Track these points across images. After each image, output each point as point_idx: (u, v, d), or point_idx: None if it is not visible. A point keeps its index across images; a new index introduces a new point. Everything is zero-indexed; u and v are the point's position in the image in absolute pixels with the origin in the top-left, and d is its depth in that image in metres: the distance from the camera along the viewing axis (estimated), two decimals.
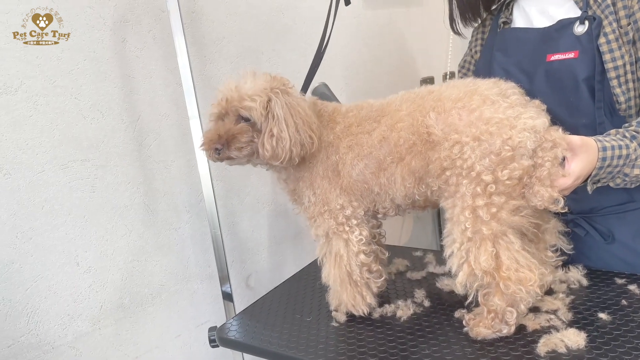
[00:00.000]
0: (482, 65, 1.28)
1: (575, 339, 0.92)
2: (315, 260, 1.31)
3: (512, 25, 1.22)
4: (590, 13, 1.07)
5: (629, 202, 1.13)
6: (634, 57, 1.05)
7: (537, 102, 0.99)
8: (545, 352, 0.91)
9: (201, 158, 1.28)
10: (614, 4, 1.06)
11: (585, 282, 1.13)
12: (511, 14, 1.23)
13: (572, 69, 1.07)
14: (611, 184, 1.03)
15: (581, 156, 0.94)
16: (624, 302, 1.04)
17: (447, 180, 0.96)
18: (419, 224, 2.37)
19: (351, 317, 1.12)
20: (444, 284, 1.21)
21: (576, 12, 1.10)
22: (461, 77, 1.40)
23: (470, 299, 0.99)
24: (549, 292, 1.09)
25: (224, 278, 1.36)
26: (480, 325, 0.97)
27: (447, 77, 2.37)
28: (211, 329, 1.20)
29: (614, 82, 1.04)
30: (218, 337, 1.15)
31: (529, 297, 0.95)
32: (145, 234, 1.33)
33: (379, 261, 1.14)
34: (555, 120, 1.01)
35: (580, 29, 1.07)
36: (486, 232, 0.92)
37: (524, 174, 0.92)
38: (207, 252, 1.46)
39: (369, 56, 1.98)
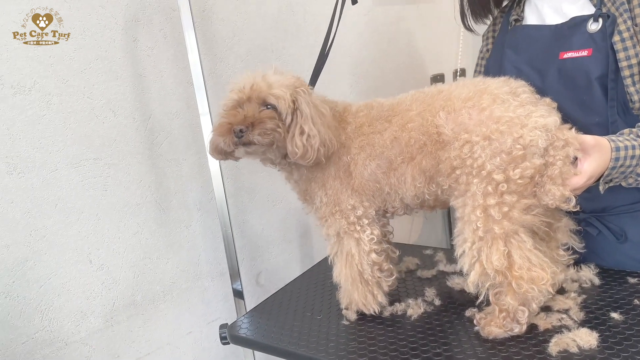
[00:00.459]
0: (492, 63, 1.27)
1: (587, 338, 0.91)
2: (325, 258, 1.32)
3: (524, 23, 1.21)
4: (604, 10, 1.06)
5: None
6: None
7: (548, 100, 0.98)
8: (557, 351, 0.90)
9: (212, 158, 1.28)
10: (628, 2, 1.04)
11: (597, 281, 1.13)
12: (522, 11, 1.22)
13: (585, 67, 1.06)
14: (623, 184, 1.02)
15: (594, 156, 0.93)
16: (636, 301, 1.04)
17: (457, 179, 0.96)
18: (429, 222, 2.36)
19: (361, 316, 1.12)
20: (454, 282, 1.21)
21: (590, 10, 1.09)
22: (476, 75, 1.39)
23: (481, 298, 0.99)
24: (561, 291, 1.08)
25: (235, 275, 1.37)
26: (492, 325, 0.97)
27: (458, 74, 2.36)
28: (222, 327, 1.21)
29: (628, 81, 1.03)
30: (229, 335, 1.16)
31: (541, 296, 0.95)
32: (157, 231, 1.34)
33: (389, 260, 1.14)
34: (567, 119, 1.00)
35: (594, 27, 1.06)
36: (498, 231, 0.92)
37: (535, 172, 0.91)
38: (217, 249, 1.47)
39: (378, 53, 1.98)
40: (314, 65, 1.23)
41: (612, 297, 1.07)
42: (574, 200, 0.93)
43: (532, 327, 0.98)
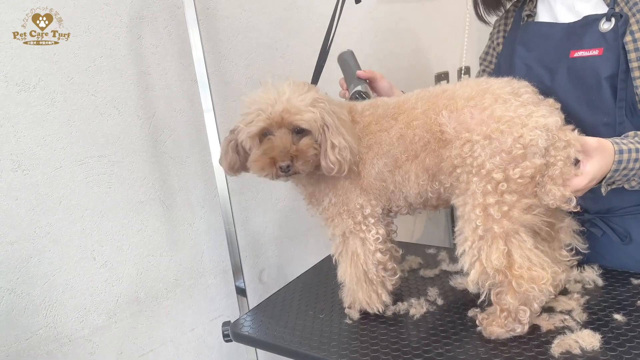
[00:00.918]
0: (503, 59, 1.26)
1: (590, 340, 0.91)
2: (328, 256, 1.32)
3: (536, 19, 1.20)
4: (617, 10, 1.05)
5: None
6: None
7: (550, 100, 0.98)
8: (560, 353, 0.90)
9: (216, 154, 1.28)
10: None
11: (600, 282, 1.13)
12: (535, 6, 1.21)
13: (595, 66, 1.05)
14: (626, 186, 1.02)
15: (597, 158, 0.93)
16: (639, 302, 1.04)
17: (458, 178, 0.96)
18: (431, 220, 2.36)
19: (364, 315, 1.12)
20: (457, 282, 1.21)
21: (603, 9, 1.08)
22: (482, 69, 1.38)
23: (482, 297, 0.99)
24: (564, 292, 1.08)
25: (238, 273, 1.38)
26: (494, 324, 0.97)
27: (462, 72, 2.35)
28: (225, 324, 1.21)
29: (638, 82, 1.03)
30: (232, 332, 1.16)
31: (542, 296, 0.95)
32: (161, 229, 1.34)
33: (393, 259, 1.14)
34: (575, 119, 1.00)
35: (606, 26, 1.05)
36: (498, 230, 0.92)
37: (536, 172, 0.91)
38: (221, 247, 1.47)
39: (382, 52, 1.97)
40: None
41: (615, 298, 1.07)
42: (574, 201, 0.93)
43: (534, 328, 0.98)
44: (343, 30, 1.75)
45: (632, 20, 1.03)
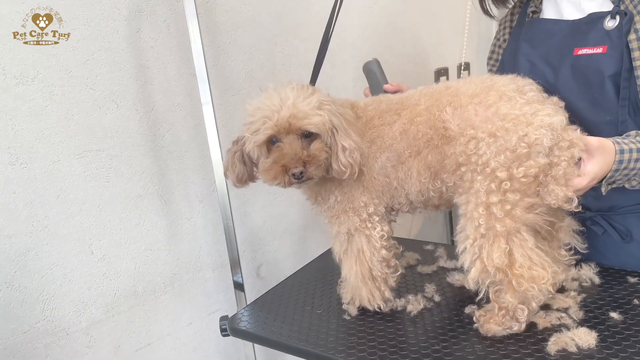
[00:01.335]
0: (507, 55, 1.26)
1: (586, 338, 0.92)
2: (327, 252, 1.32)
3: (541, 16, 1.20)
4: (622, 8, 1.04)
5: None
6: None
7: (555, 99, 0.98)
8: (556, 350, 0.91)
9: (214, 148, 1.28)
10: None
11: (597, 280, 1.13)
12: (541, 2, 1.21)
13: (599, 64, 1.05)
14: (627, 186, 1.02)
15: (598, 158, 0.93)
16: (636, 301, 1.04)
17: (462, 176, 0.96)
18: (429, 217, 2.36)
19: (362, 311, 1.13)
20: (454, 279, 1.21)
21: (609, 7, 1.07)
22: (491, 66, 1.37)
23: (481, 295, 0.99)
24: (561, 289, 1.09)
25: (235, 268, 1.38)
26: (491, 322, 0.98)
27: (462, 68, 2.35)
28: (222, 318, 1.21)
29: None
30: (229, 327, 1.17)
31: (541, 295, 0.95)
32: (159, 223, 1.34)
33: (395, 256, 1.14)
34: (577, 117, 0.99)
35: (611, 24, 1.05)
36: (500, 229, 0.92)
37: (539, 171, 0.91)
38: (218, 241, 1.47)
39: (382, 47, 1.97)
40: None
41: (611, 296, 1.07)
42: (576, 201, 0.93)
43: (531, 326, 0.99)
44: (343, 24, 1.75)
45: (636, 18, 1.03)
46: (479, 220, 0.93)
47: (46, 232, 1.14)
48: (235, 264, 1.37)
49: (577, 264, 1.15)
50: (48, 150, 1.12)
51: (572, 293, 1.08)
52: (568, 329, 0.96)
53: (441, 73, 2.29)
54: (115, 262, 1.26)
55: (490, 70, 1.37)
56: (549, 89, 1.10)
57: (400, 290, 1.20)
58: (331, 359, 0.99)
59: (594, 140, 0.93)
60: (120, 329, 1.29)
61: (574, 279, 1.13)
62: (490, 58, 1.36)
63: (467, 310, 1.07)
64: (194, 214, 1.42)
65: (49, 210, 1.13)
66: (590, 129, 1.07)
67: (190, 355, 1.46)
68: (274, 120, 0.96)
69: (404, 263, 1.34)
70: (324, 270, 1.36)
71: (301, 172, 0.96)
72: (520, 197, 0.92)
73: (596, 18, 1.07)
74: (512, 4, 1.30)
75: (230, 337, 1.20)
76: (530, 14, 1.21)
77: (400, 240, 1.22)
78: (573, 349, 0.91)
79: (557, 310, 1.02)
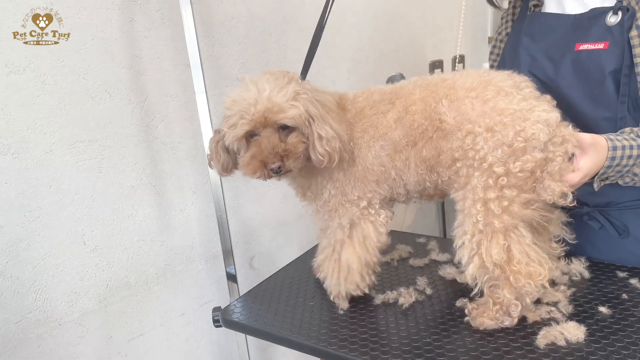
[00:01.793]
0: (509, 48, 1.25)
1: (575, 332, 0.93)
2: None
3: (543, 9, 1.19)
4: (624, 3, 1.04)
5: None
6: None
7: (548, 97, 0.98)
8: (545, 344, 0.92)
9: (208, 140, 1.27)
10: None
11: (587, 274, 1.14)
12: None
13: (600, 60, 1.05)
14: (620, 182, 1.02)
15: (591, 154, 0.94)
16: (624, 295, 1.05)
17: (457, 172, 0.96)
18: (422, 209, 2.37)
19: (353, 303, 1.13)
20: (446, 272, 1.22)
21: (611, 1, 1.07)
22: (492, 61, 1.37)
23: (476, 290, 0.99)
24: (551, 283, 1.09)
25: (228, 259, 1.38)
26: (484, 316, 0.98)
27: (457, 60, 2.35)
28: (215, 309, 1.22)
29: None
30: (222, 319, 1.17)
31: (536, 291, 0.96)
32: (152, 214, 1.34)
33: None
34: (576, 112, 0.99)
35: (613, 19, 1.04)
36: (498, 225, 0.92)
37: (536, 166, 0.91)
38: (211, 233, 1.47)
39: (378, 39, 1.96)
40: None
41: (600, 290, 1.08)
42: (571, 196, 0.94)
43: (521, 319, 0.99)
44: (339, 16, 1.74)
45: (638, 14, 1.02)
46: (477, 216, 0.93)
47: (38, 222, 1.13)
48: (228, 255, 1.37)
49: (567, 257, 1.16)
50: (40, 140, 1.11)
51: (562, 287, 1.09)
52: (557, 323, 0.96)
53: (436, 65, 2.29)
54: (108, 252, 1.26)
55: (492, 66, 1.37)
56: (550, 84, 1.10)
57: (392, 283, 1.21)
58: (323, 350, 1.00)
59: (587, 136, 0.94)
60: (112, 320, 1.29)
61: (564, 273, 1.14)
62: (492, 53, 1.36)
63: (459, 303, 1.08)
64: (187, 205, 1.42)
65: (41, 201, 1.13)
66: (589, 125, 1.07)
67: (182, 345, 1.46)
68: (250, 114, 0.95)
69: (396, 256, 1.34)
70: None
71: (279, 167, 0.97)
72: (517, 193, 0.92)
73: (598, 13, 1.07)
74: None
75: (223, 328, 1.21)
76: (532, 8, 1.21)
77: (392, 233, 1.23)
78: (562, 343, 0.92)
79: (547, 304, 1.03)
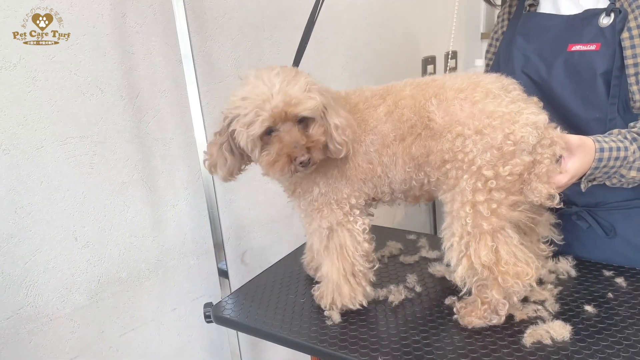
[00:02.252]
0: (503, 47, 1.26)
1: (561, 331, 0.94)
2: None
3: (539, 9, 1.20)
4: (617, 5, 1.05)
5: (635, 198, 1.14)
6: None
7: (535, 99, 0.99)
8: (531, 342, 0.93)
9: (199, 136, 1.27)
10: None
11: (574, 273, 1.16)
12: None
13: (591, 61, 1.06)
14: (607, 183, 1.04)
15: (578, 155, 0.95)
16: (610, 295, 1.07)
17: (446, 173, 0.96)
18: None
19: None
20: (436, 269, 1.23)
21: (605, 3, 1.08)
22: (488, 60, 1.37)
23: (464, 290, 1.01)
24: (538, 282, 1.11)
25: (220, 254, 1.38)
26: (473, 315, 0.99)
27: (449, 56, 2.35)
28: (207, 305, 1.22)
29: (632, 79, 1.03)
30: (213, 315, 1.18)
31: (523, 291, 0.97)
32: (143, 210, 1.34)
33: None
34: (567, 113, 1.00)
35: (605, 21, 1.05)
36: (486, 227, 0.93)
37: (524, 169, 0.92)
38: (203, 228, 1.47)
39: (371, 35, 1.96)
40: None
41: (587, 289, 1.10)
42: (558, 198, 0.95)
43: (508, 317, 1.01)
44: (332, 12, 1.74)
45: (630, 16, 1.03)
46: (465, 218, 0.94)
47: (29, 218, 1.13)
48: (219, 251, 1.38)
49: (554, 256, 1.17)
50: (31, 136, 1.11)
51: (549, 286, 1.10)
52: (544, 321, 0.98)
53: (428, 61, 2.29)
54: (100, 248, 1.26)
55: (487, 64, 1.37)
56: (542, 84, 1.11)
57: (382, 280, 1.22)
58: (313, 347, 1.01)
59: (574, 138, 0.95)
60: (104, 315, 1.30)
61: (551, 272, 1.15)
62: (487, 51, 1.36)
63: (447, 301, 1.09)
64: (178, 200, 1.42)
65: (32, 197, 1.13)
66: (579, 126, 1.08)
67: (173, 340, 1.47)
68: (268, 110, 0.91)
69: (386, 253, 1.35)
70: None
71: (308, 159, 0.94)
72: (506, 196, 0.93)
73: (591, 14, 1.08)
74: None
75: (214, 323, 1.21)
76: (527, 7, 1.21)
77: (383, 229, 1.23)
78: (548, 342, 0.93)
79: (534, 302, 1.05)
